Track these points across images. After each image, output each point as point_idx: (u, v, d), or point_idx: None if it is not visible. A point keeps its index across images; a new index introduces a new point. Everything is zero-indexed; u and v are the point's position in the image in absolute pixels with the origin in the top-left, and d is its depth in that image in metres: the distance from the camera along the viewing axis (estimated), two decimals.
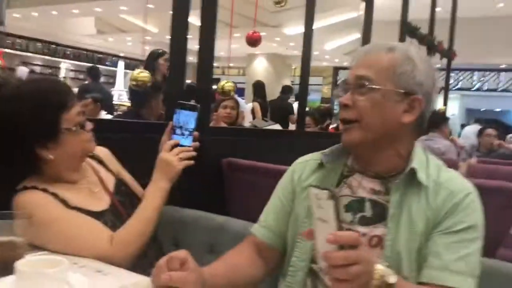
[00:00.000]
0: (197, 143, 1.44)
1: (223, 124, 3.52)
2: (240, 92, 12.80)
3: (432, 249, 1.03)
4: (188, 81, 2.34)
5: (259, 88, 6.27)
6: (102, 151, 1.47)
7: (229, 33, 2.23)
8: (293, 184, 1.23)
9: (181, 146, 1.42)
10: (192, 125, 1.43)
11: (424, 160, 1.11)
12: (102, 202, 1.34)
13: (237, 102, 3.56)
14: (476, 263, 1.03)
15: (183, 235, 1.66)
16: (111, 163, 1.48)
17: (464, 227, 1.03)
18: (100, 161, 1.45)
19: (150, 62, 3.61)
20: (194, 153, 1.42)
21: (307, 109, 5.32)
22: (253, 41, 2.40)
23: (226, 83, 2.25)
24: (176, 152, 1.40)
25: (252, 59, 13.09)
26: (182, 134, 1.43)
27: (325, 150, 1.20)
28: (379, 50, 1.09)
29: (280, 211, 1.23)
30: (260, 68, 13.07)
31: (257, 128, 3.95)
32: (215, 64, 2.11)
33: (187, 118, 1.43)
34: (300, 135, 3.02)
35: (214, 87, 2.41)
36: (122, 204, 1.38)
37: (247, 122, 4.73)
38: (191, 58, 2.09)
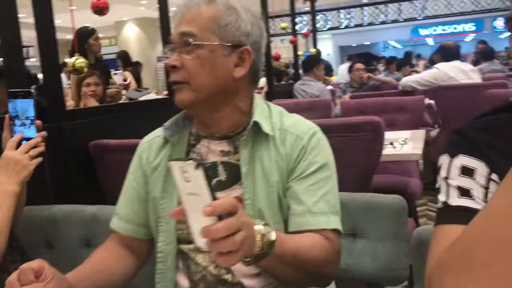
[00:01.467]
0: (44, 133, 1.28)
1: (95, 103, 3.29)
2: (114, 63, 12.18)
3: (292, 197, 1.02)
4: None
5: (124, 58, 6.02)
6: None
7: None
8: (142, 167, 1.14)
9: (27, 139, 1.26)
10: (31, 113, 1.26)
11: (266, 110, 1.09)
12: None
13: (100, 77, 3.32)
14: (335, 199, 1.05)
15: (55, 234, 1.52)
16: None
17: (317, 168, 1.03)
18: None
19: (80, 43, 3.19)
20: (43, 148, 1.26)
21: None
22: (99, 9, 2.18)
23: (76, 60, 2.02)
24: (25, 149, 1.23)
25: (121, 27, 12.45)
26: (24, 125, 1.26)
27: (165, 123, 1.13)
28: (199, 3, 1.02)
29: (136, 199, 1.14)
30: (131, 35, 12.49)
31: (124, 102, 3.74)
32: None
33: (24, 106, 1.26)
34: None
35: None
36: None
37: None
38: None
